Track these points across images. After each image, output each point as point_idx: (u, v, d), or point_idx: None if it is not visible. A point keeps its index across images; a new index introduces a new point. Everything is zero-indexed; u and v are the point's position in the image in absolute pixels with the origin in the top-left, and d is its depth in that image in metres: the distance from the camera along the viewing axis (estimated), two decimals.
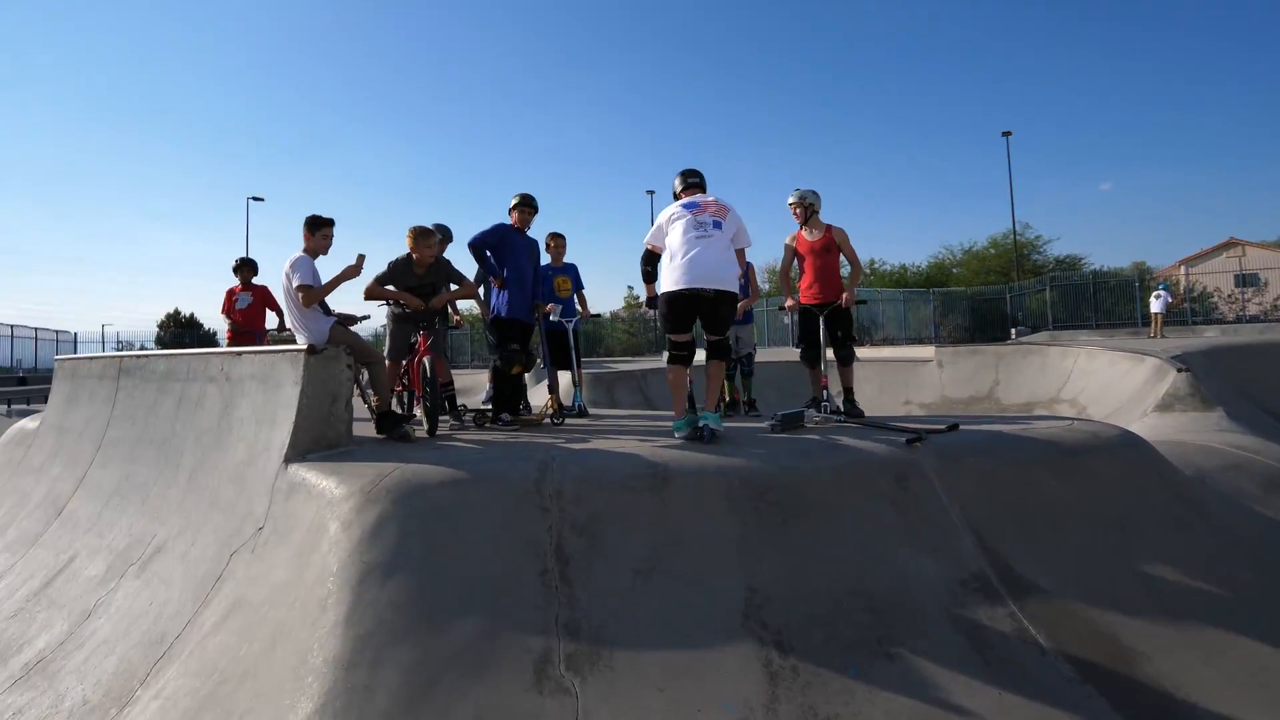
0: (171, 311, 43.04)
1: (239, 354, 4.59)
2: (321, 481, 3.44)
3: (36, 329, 32.67)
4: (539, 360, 6.09)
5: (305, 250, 4.66)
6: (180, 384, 5.03)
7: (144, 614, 3.54)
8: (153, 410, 5.20)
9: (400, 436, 4.42)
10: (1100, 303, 25.53)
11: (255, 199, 34.66)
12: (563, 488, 3.26)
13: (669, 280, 4.31)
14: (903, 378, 12.51)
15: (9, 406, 14.88)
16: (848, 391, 5.52)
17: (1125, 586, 3.36)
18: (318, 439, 3.96)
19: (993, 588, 3.21)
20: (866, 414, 5.41)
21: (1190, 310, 24.69)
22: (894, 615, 3.00)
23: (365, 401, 5.45)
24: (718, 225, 4.37)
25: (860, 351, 5.94)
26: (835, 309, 5.53)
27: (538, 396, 7.06)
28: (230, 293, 8.08)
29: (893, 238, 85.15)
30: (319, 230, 4.71)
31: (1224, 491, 4.81)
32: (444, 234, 6.03)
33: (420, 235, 5.10)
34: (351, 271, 4.59)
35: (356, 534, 3.08)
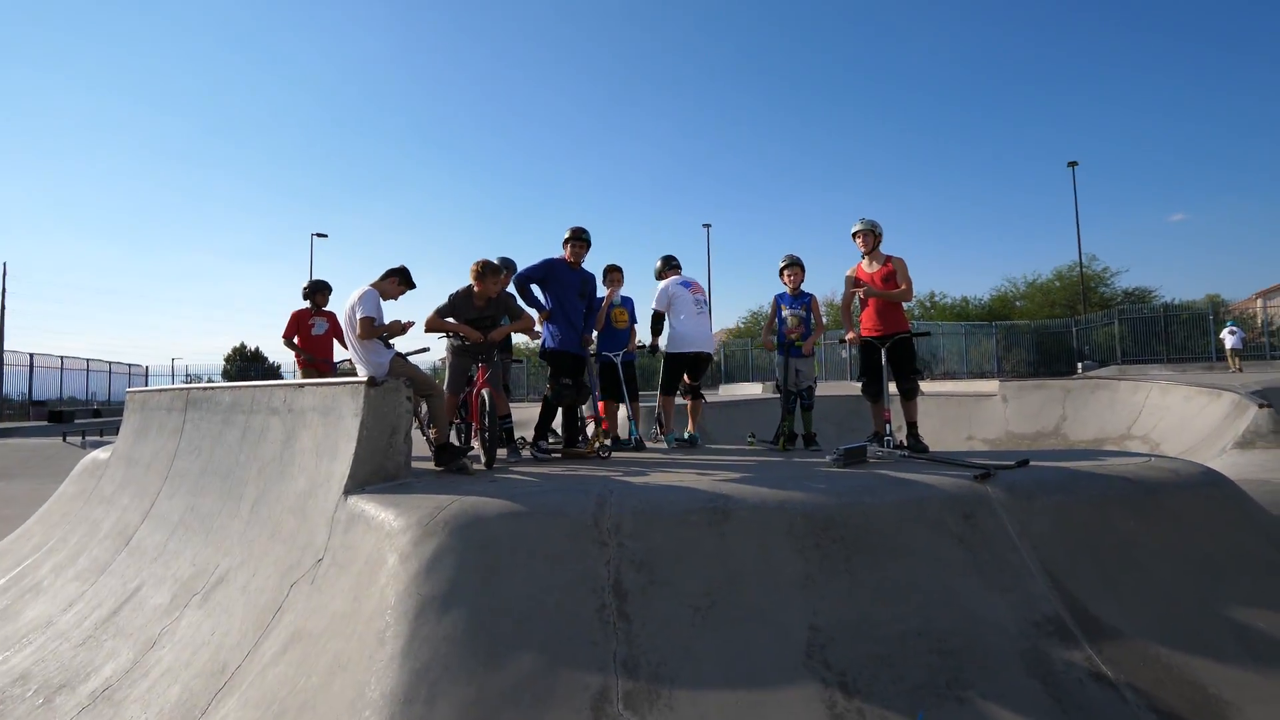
0: (237, 345, 45.08)
1: (300, 386, 4.73)
2: (380, 513, 3.49)
3: (110, 363, 34.48)
4: (594, 393, 6.14)
5: (375, 286, 4.82)
6: (244, 416, 5.20)
7: (206, 644, 3.61)
8: (218, 441, 5.38)
9: (458, 469, 4.48)
10: (1172, 336, 24.71)
11: (319, 235, 36.07)
12: (621, 521, 3.23)
13: (677, 343, 6.08)
14: (965, 413, 12.18)
15: (84, 438, 15.59)
16: (911, 426, 5.41)
17: (1212, 632, 3.14)
18: (376, 471, 4.03)
19: (1068, 630, 3.04)
20: (930, 449, 5.26)
21: (1269, 345, 23.48)
22: (963, 657, 2.86)
23: (424, 434, 5.53)
24: (705, 303, 6.20)
25: (921, 386, 5.84)
26: (896, 341, 5.43)
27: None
28: (300, 317, 7.22)
29: (954, 270, 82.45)
30: (402, 285, 4.98)
31: None
32: (508, 267, 6.15)
33: (488, 272, 5.11)
34: (397, 328, 4.79)
35: (414, 567, 3.09)
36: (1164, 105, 75.72)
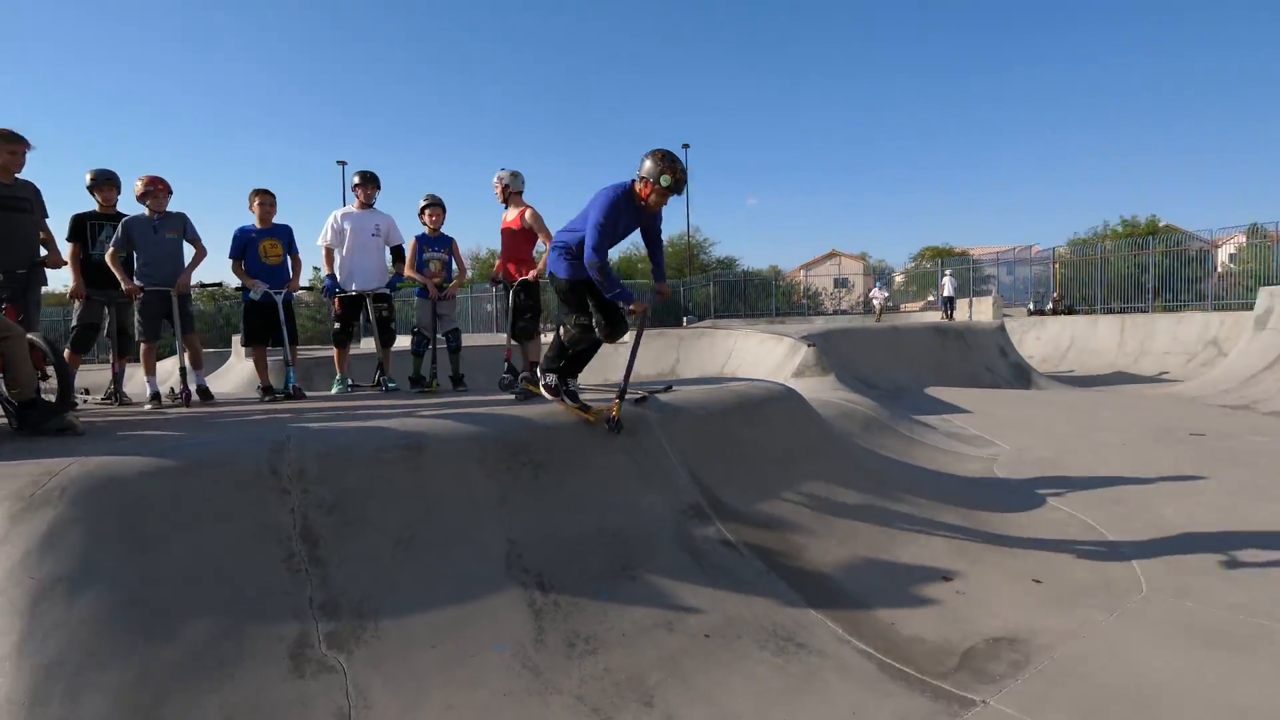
0: None
1: None
2: None
3: None
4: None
5: None
6: None
7: None
8: None
9: (60, 429, 3.56)
10: (748, 297, 31.02)
11: None
12: (304, 467, 3.02)
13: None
14: (599, 359, 13.78)
15: None
16: (533, 366, 5.61)
17: (790, 498, 4.28)
18: None
19: (705, 513, 3.84)
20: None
21: (806, 305, 31.17)
22: (633, 545, 3.43)
23: None
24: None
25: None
26: (522, 284, 5.62)
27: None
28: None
29: None
30: None
31: (840, 430, 6.33)
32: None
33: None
34: None
35: (19, 548, 2.48)
36: (765, 101, 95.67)
